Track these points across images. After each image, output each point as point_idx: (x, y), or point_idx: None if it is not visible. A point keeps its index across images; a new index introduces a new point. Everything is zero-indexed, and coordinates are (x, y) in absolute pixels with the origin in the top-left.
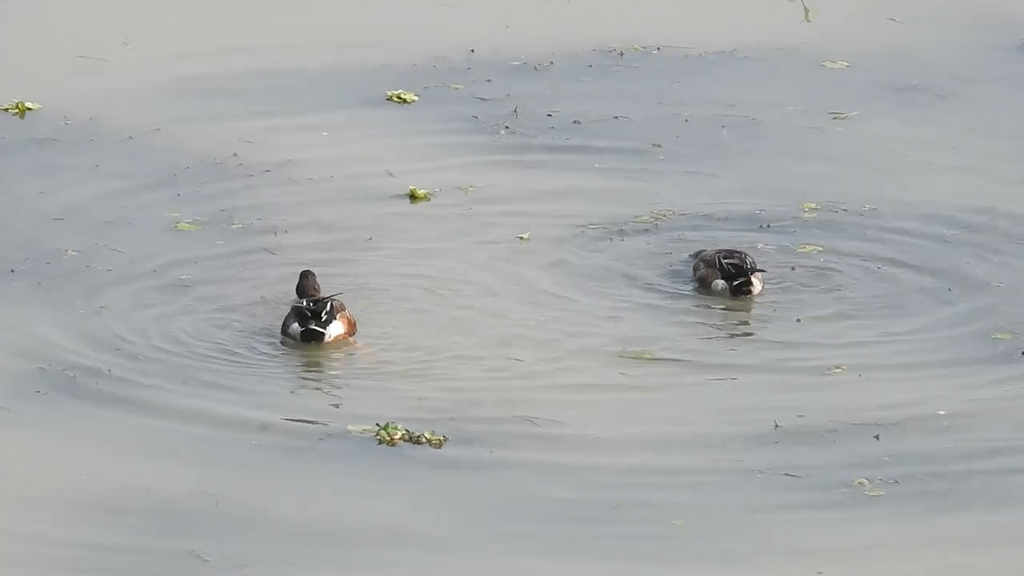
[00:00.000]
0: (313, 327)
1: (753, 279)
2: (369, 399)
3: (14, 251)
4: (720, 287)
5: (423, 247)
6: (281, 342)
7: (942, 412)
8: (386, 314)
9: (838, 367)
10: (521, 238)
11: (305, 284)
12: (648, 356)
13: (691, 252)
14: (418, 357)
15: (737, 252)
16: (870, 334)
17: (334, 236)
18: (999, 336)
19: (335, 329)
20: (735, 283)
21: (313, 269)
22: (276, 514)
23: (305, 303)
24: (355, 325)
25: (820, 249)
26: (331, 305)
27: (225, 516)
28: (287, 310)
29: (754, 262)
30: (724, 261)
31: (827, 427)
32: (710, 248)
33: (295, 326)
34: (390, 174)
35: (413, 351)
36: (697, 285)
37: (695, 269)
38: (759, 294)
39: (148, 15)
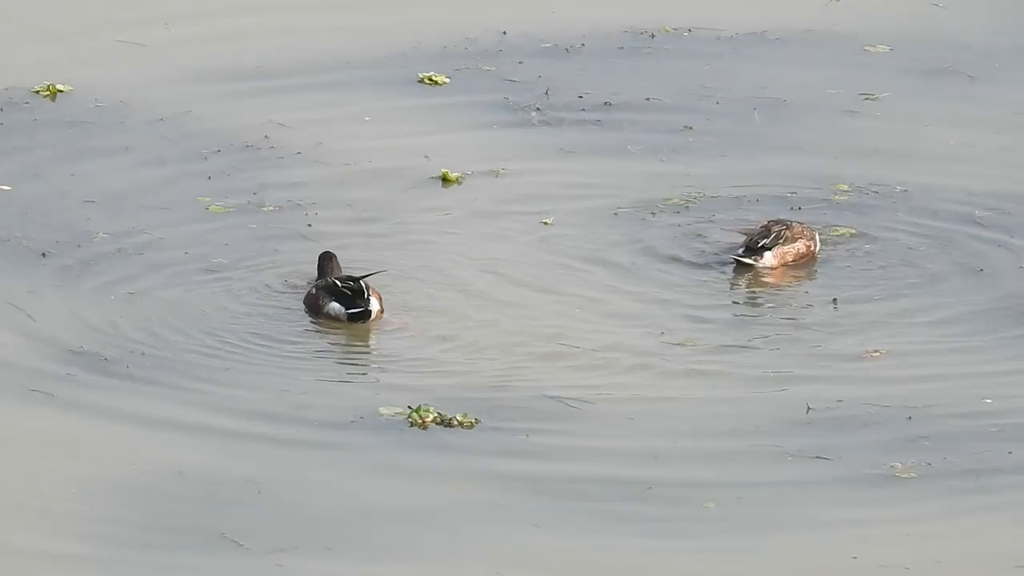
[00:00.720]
0: (358, 308)
1: (767, 254)
2: (400, 381)
3: (45, 234)
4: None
5: (454, 230)
6: (312, 322)
7: (980, 396)
8: (417, 296)
9: (876, 351)
10: (544, 223)
11: (327, 266)
12: (683, 340)
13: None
14: (448, 339)
15: (782, 222)
16: (903, 317)
17: (365, 218)
18: None
19: (375, 306)
20: (740, 252)
21: (341, 252)
22: (310, 497)
23: (339, 283)
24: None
25: (853, 232)
26: (364, 283)
27: (257, 499)
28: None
29: (789, 236)
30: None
31: (860, 410)
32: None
33: (334, 306)
34: (427, 157)
35: (443, 333)
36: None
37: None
38: (770, 267)
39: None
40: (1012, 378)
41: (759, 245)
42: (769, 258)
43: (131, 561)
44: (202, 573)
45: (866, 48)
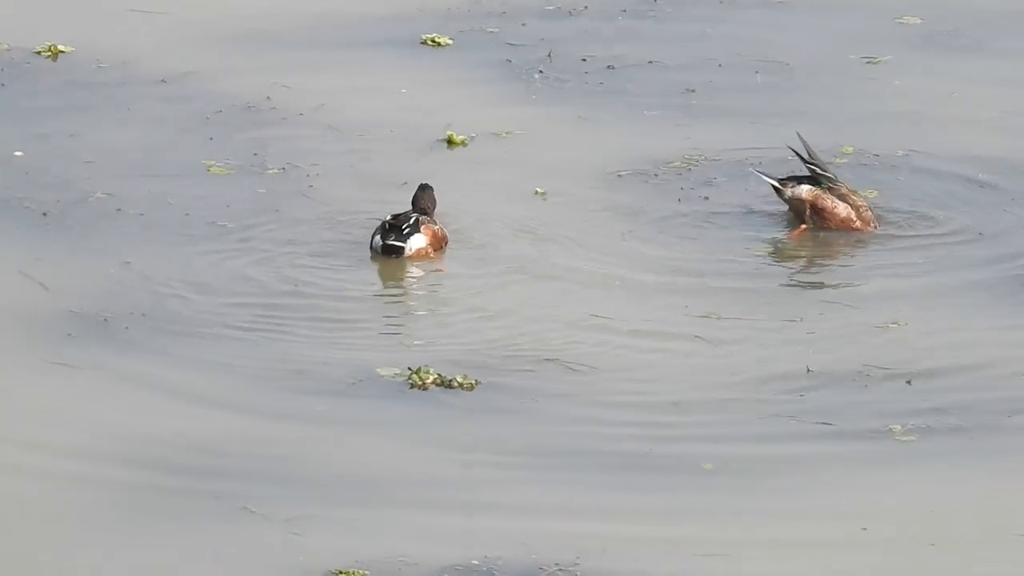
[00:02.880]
0: (392, 241)
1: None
2: (400, 343)
3: (46, 194)
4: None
5: (458, 193)
6: (312, 285)
7: (980, 361)
8: (425, 260)
9: (894, 322)
10: (537, 192)
11: (420, 197)
12: (686, 304)
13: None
14: (450, 302)
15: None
16: (901, 280)
17: (368, 180)
18: None
19: (416, 242)
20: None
21: (345, 213)
22: (315, 462)
23: (389, 216)
24: (443, 240)
25: (874, 194)
26: (415, 218)
27: (262, 464)
28: (319, 256)
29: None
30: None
31: (859, 372)
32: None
33: (376, 239)
34: (449, 127)
35: (446, 296)
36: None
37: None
38: (799, 197)
39: None
40: (1013, 342)
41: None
42: (805, 190)
43: (140, 528)
44: (221, 541)
45: (895, 20)
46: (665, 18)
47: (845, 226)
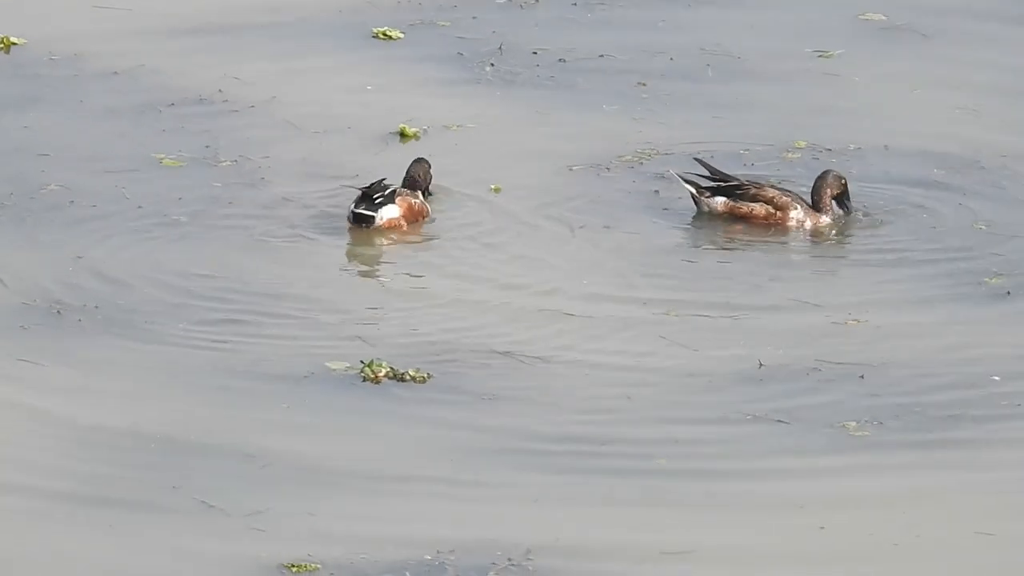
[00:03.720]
0: (362, 210)
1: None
2: (351, 336)
3: None
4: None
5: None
6: (262, 275)
7: (933, 357)
8: (378, 252)
9: (854, 319)
10: (493, 188)
11: (412, 169)
12: (638, 298)
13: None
14: (401, 295)
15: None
16: (854, 275)
17: (320, 173)
18: (988, 280)
19: (388, 212)
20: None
21: (297, 208)
22: (265, 453)
23: (368, 185)
24: (420, 213)
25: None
26: (392, 189)
27: (218, 458)
28: (272, 248)
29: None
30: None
31: (811, 367)
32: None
33: (350, 208)
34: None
35: (397, 289)
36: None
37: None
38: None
39: None
40: (965, 338)
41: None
42: (720, 202)
43: (92, 521)
44: (176, 534)
45: (852, 15)
46: (616, 11)
47: (769, 222)
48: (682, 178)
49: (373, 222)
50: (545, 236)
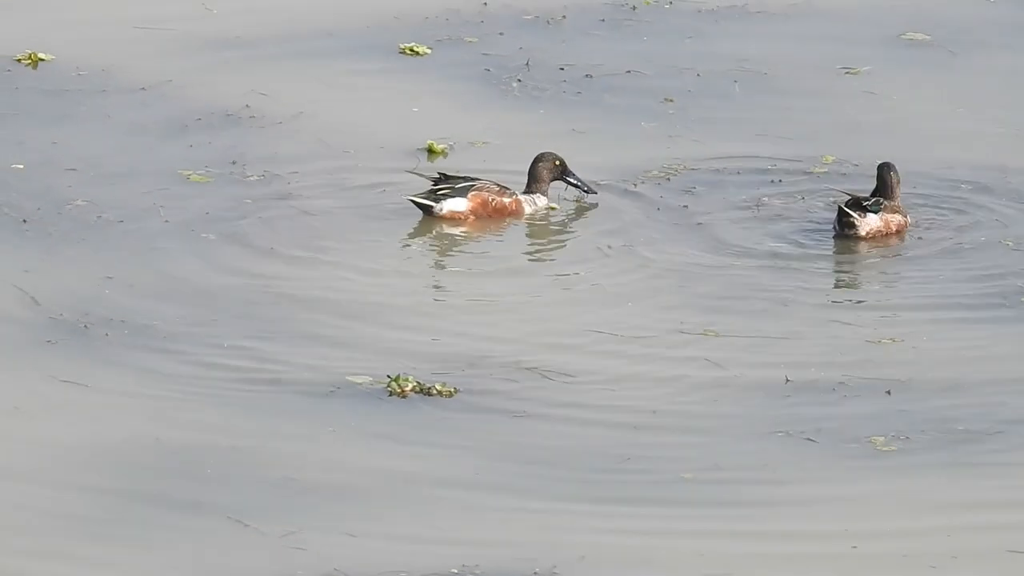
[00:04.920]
0: (418, 199)
1: (861, 216)
2: (378, 351)
3: (26, 201)
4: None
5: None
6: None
7: (960, 373)
8: (404, 266)
9: (875, 335)
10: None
11: (534, 167)
12: (665, 314)
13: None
14: (428, 310)
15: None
16: (882, 293)
17: (347, 188)
18: (1016, 297)
19: (453, 205)
20: (841, 217)
21: (323, 220)
22: (294, 468)
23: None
24: (498, 210)
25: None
26: (468, 183)
27: (241, 471)
28: (299, 262)
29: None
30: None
31: (839, 382)
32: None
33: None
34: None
35: (424, 304)
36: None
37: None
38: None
39: None
40: (992, 354)
41: (863, 204)
42: (874, 219)
43: (117, 534)
44: (203, 549)
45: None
46: (643, 27)
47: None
48: (413, 199)
49: (431, 212)
50: (572, 252)
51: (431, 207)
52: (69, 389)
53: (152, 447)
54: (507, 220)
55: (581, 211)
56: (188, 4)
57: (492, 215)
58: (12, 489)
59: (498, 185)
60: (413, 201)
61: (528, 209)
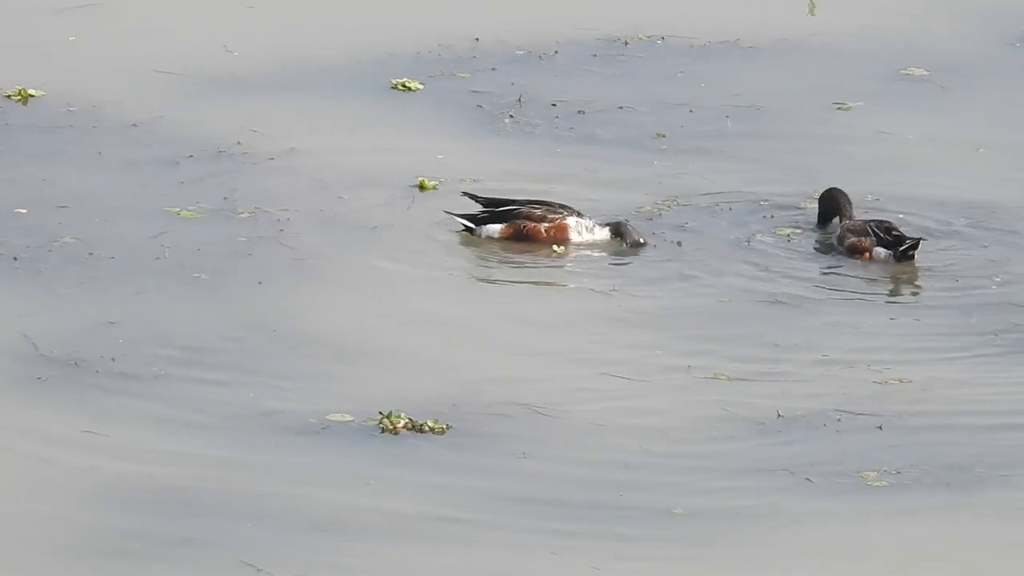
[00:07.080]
0: (463, 219)
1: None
2: (368, 388)
3: (16, 238)
4: (883, 255)
5: (431, 236)
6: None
7: (952, 406)
8: (403, 302)
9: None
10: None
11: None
12: (657, 349)
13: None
14: (419, 346)
15: (884, 221)
16: (875, 327)
17: (340, 225)
18: (1007, 333)
19: (489, 230)
20: (902, 248)
21: (314, 260)
22: (285, 506)
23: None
24: (530, 235)
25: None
26: (514, 210)
27: (232, 508)
28: (290, 299)
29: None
30: (878, 228)
31: (831, 417)
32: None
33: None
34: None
35: (414, 339)
36: (846, 253)
37: (841, 239)
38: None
39: (151, 5)
40: (985, 390)
41: (893, 235)
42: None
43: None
44: None
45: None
46: (635, 63)
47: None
48: (455, 214)
49: (473, 232)
50: (564, 287)
51: (472, 228)
52: (60, 426)
53: (142, 486)
54: (550, 245)
55: (580, 247)
56: (181, 41)
57: (528, 239)
58: (5, 527)
59: (547, 206)
60: (457, 219)
61: (576, 237)
